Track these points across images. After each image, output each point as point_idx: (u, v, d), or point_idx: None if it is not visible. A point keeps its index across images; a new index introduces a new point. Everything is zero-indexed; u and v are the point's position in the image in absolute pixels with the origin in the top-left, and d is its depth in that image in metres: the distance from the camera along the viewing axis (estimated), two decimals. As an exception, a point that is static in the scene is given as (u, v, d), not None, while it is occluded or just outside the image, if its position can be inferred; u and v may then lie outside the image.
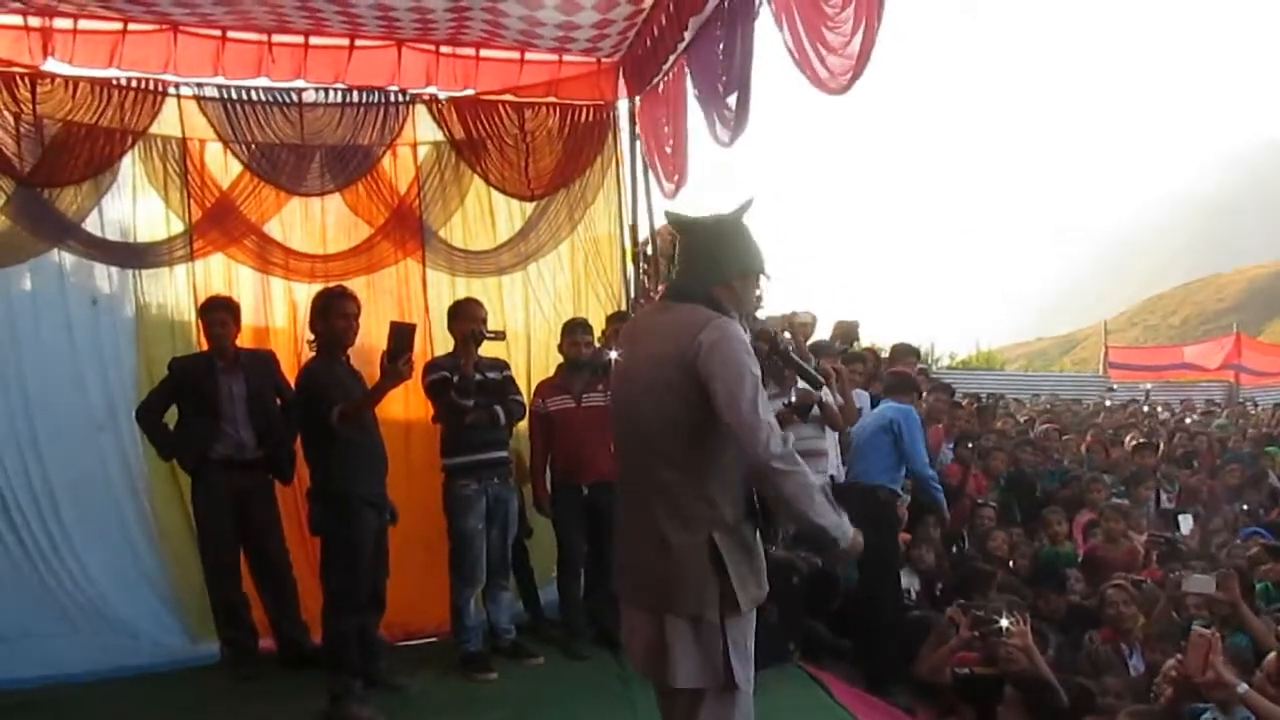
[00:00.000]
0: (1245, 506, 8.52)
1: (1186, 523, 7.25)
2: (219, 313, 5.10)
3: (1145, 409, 14.51)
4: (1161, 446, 9.42)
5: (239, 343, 5.22)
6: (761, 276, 2.86)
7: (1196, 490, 8.39)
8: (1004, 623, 4.56)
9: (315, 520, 4.62)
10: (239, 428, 5.06)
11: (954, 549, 6.76)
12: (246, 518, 5.09)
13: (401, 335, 4.41)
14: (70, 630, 5.16)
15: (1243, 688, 3.58)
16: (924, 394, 6.80)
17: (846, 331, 8.06)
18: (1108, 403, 14.15)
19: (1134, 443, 9.02)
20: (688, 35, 5.16)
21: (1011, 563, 6.45)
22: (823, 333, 7.38)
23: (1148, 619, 5.19)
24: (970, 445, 7.70)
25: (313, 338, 4.65)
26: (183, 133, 5.53)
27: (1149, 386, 17.47)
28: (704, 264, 2.80)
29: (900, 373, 6.22)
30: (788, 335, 6.66)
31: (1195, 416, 13.63)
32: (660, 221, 6.61)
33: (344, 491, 4.49)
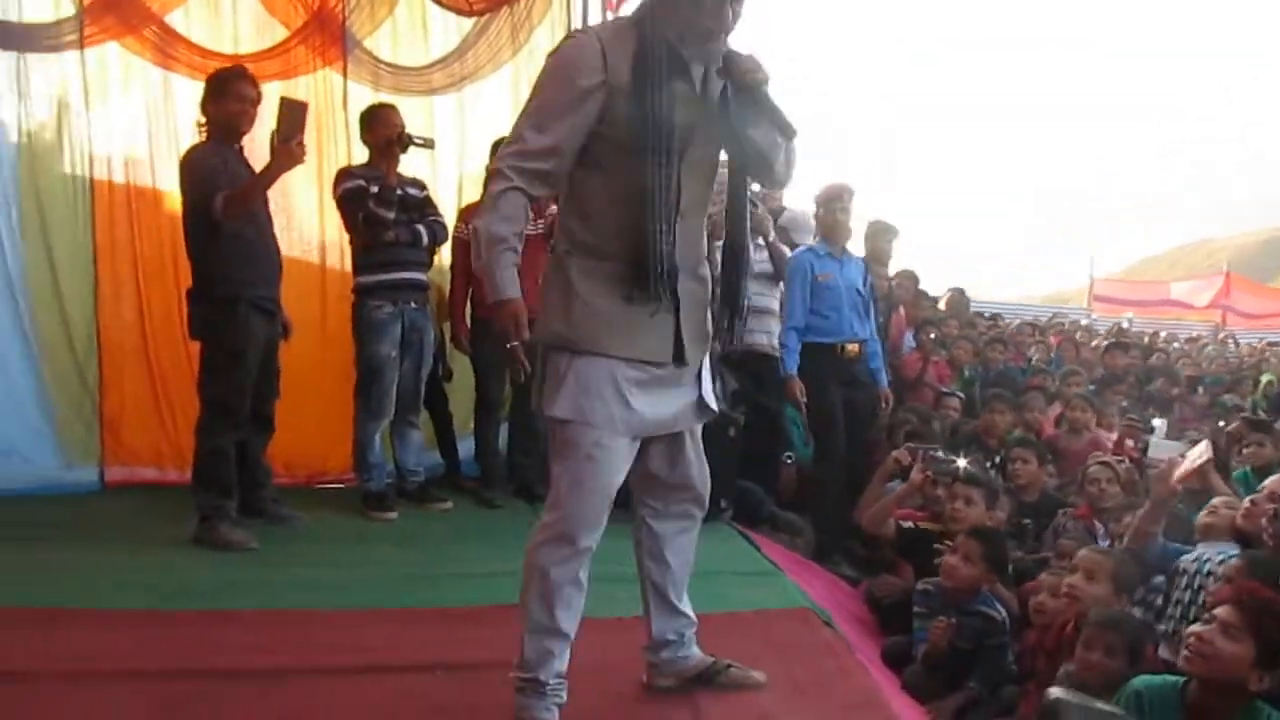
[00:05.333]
0: (1222, 424, 8.20)
1: (1161, 427, 6.87)
2: None
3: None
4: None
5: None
6: None
7: (1170, 399, 8.01)
8: (961, 463, 4.16)
9: (195, 323, 4.16)
10: None
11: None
12: None
13: (293, 113, 3.96)
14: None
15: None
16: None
17: None
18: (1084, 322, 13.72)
19: (1106, 342, 8.63)
20: None
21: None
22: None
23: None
24: (932, 335, 7.29)
25: (203, 121, 4.18)
26: (72, -99, 4.94)
27: (1130, 315, 17.07)
28: None
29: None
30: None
31: (1179, 344, 13.27)
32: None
33: (230, 292, 4.05)
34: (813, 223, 5.47)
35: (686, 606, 2.74)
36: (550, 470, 2.55)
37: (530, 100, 2.42)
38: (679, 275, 2.42)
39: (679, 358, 2.47)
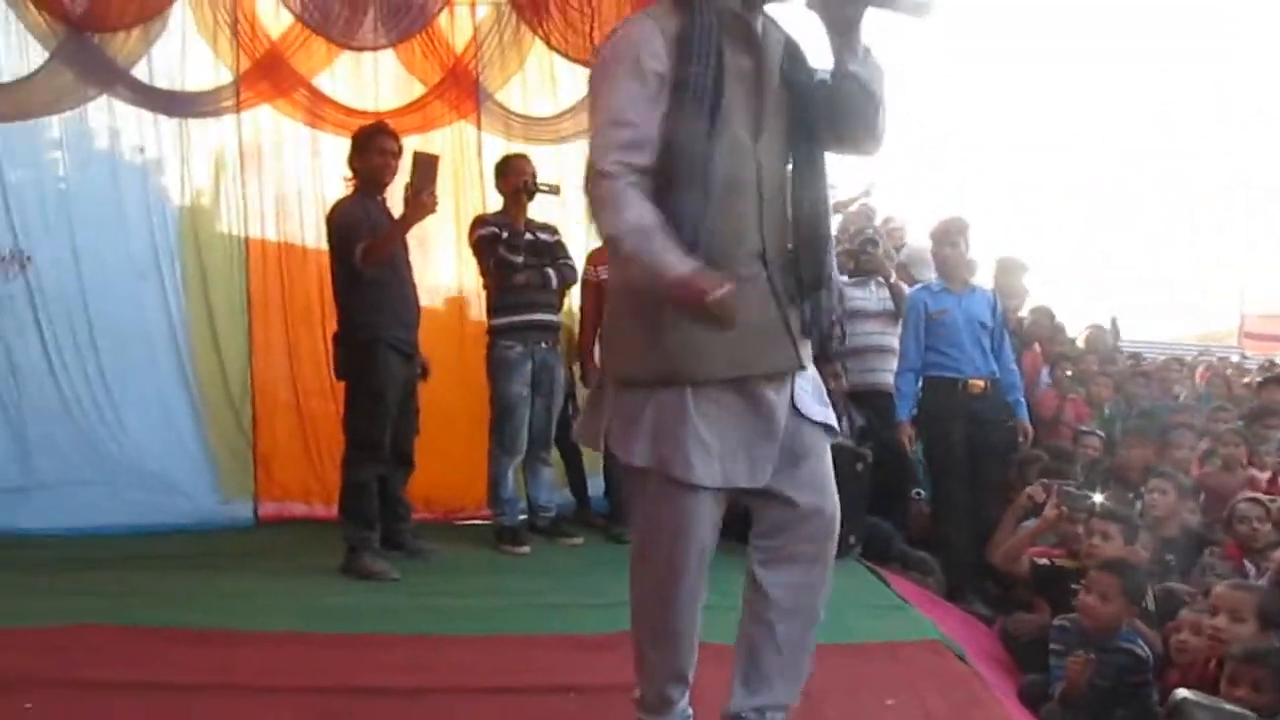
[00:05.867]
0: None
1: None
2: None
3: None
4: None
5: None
6: None
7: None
8: (1097, 498, 4.05)
9: (340, 364, 4.41)
10: None
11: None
12: None
13: (425, 166, 4.19)
14: (106, 481, 5.10)
15: None
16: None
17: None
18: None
19: (1260, 377, 8.20)
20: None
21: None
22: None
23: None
24: (1069, 372, 7.09)
25: (350, 175, 4.46)
26: (233, -19, 5.37)
27: (1288, 350, 16.12)
28: None
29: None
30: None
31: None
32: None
33: (370, 335, 4.27)
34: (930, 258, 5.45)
35: (785, 687, 2.30)
36: (632, 517, 2.32)
37: (600, 99, 2.10)
38: (771, 266, 2.17)
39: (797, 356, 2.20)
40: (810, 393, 2.27)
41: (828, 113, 2.18)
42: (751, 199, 2.15)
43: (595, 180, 2.04)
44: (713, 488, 2.14)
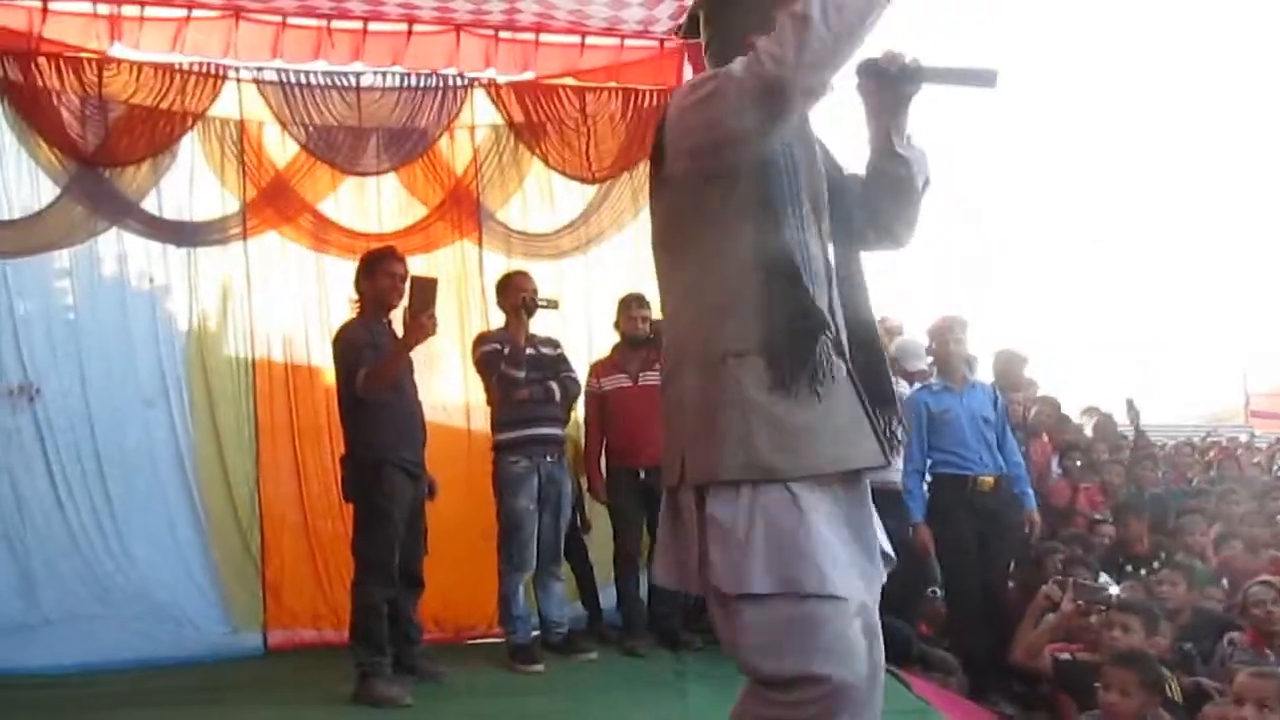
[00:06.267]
0: None
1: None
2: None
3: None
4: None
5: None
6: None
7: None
8: (1114, 589, 4.01)
9: (347, 485, 4.41)
10: None
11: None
12: None
13: (423, 290, 4.26)
14: (112, 613, 5.03)
15: None
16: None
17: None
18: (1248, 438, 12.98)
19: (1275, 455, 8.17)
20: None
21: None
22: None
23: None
24: (1079, 461, 7.07)
25: (356, 298, 4.53)
26: (241, 115, 5.51)
27: (1295, 430, 16.05)
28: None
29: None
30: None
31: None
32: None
33: (375, 456, 4.28)
34: (925, 353, 5.50)
35: None
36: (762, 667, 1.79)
37: (712, 103, 1.81)
38: (850, 360, 1.94)
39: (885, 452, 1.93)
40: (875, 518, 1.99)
41: (867, 203, 2.06)
42: (824, 289, 1.95)
43: (754, 84, 1.73)
44: (860, 599, 1.79)
